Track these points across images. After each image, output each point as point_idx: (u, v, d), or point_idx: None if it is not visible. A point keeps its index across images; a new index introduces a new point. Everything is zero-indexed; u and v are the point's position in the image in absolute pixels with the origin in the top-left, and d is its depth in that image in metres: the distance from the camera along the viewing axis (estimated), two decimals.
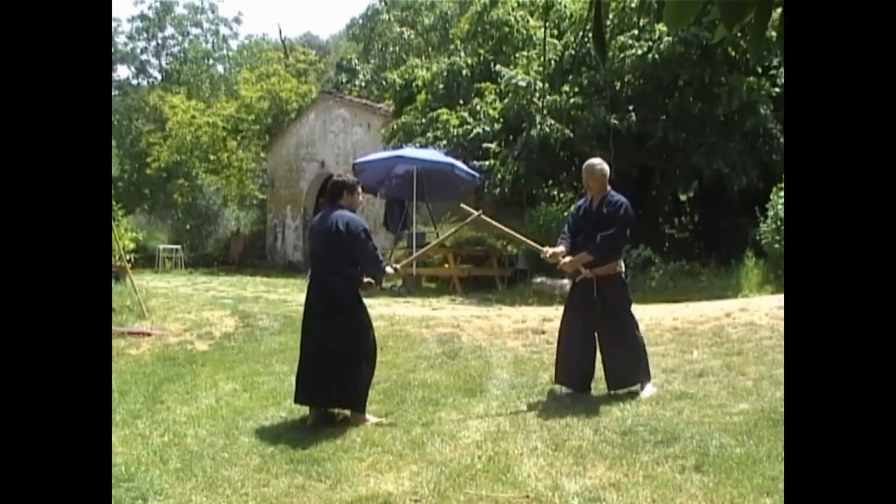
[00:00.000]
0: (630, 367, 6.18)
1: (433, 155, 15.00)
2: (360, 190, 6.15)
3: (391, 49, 28.43)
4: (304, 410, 5.99)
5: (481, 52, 18.36)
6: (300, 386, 5.88)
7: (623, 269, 6.35)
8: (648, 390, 6.12)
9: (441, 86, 17.92)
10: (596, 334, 6.20)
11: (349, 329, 5.81)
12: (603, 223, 6.15)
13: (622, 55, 14.05)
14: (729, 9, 1.98)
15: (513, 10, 17.73)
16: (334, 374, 5.72)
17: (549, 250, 6.27)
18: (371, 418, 5.74)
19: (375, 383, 6.74)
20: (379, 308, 10.89)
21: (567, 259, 6.18)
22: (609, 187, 6.31)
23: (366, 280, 5.95)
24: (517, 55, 16.55)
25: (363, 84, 28.84)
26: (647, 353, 6.36)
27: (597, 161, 6.39)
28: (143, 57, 34.87)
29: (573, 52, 15.27)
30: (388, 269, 6.17)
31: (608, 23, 14.02)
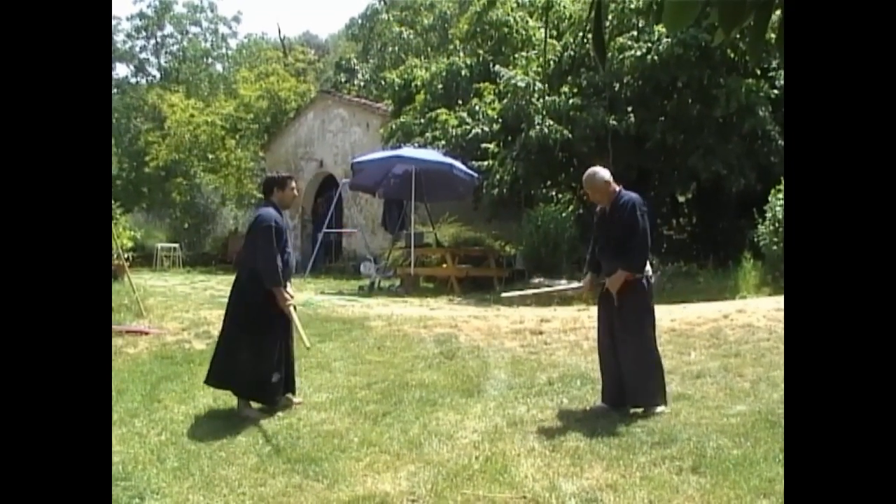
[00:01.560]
0: (646, 385, 5.76)
1: (432, 155, 14.99)
2: (292, 185, 6.16)
3: (390, 49, 28.45)
4: (302, 411, 5.99)
5: (480, 52, 18.37)
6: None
7: (644, 274, 5.88)
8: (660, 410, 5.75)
9: (440, 86, 17.91)
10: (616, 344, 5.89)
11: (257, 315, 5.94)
12: (615, 228, 5.87)
13: (621, 56, 14.07)
14: (727, 11, 1.98)
15: (512, 10, 17.74)
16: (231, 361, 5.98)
17: (579, 286, 6.17)
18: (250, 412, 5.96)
19: (373, 383, 6.76)
20: (376, 308, 10.89)
21: (607, 284, 5.86)
22: (618, 188, 5.96)
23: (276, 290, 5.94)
24: (516, 56, 16.54)
25: (362, 84, 28.88)
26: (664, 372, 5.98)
27: (594, 170, 6.03)
28: (142, 55, 34.92)
29: (572, 53, 15.28)
30: (281, 293, 5.94)
31: (607, 24, 14.03)
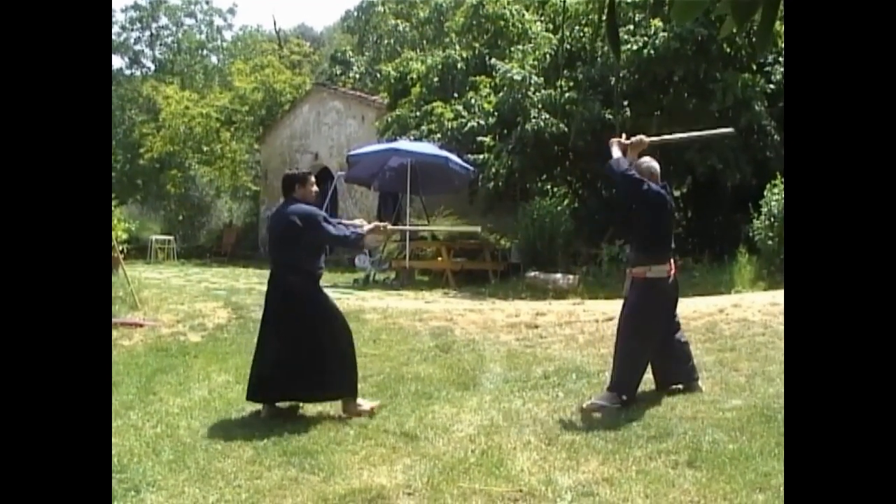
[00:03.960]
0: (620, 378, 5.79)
1: (427, 148, 14.98)
2: (312, 181, 6.06)
3: (386, 41, 28.39)
4: (298, 403, 5.98)
5: (476, 45, 18.33)
6: (266, 383, 5.76)
7: (656, 276, 5.82)
8: (604, 400, 5.71)
9: (436, 79, 17.88)
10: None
11: (314, 322, 5.76)
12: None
13: None
14: (740, 3, 1.97)
15: (508, 3, 17.70)
16: (315, 368, 5.68)
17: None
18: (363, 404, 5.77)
19: (369, 376, 6.75)
20: (372, 301, 10.88)
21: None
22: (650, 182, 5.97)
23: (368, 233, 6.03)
24: (512, 49, 16.52)
25: (357, 76, 28.81)
26: (637, 373, 5.87)
27: (645, 159, 6.14)
28: (137, 47, 34.85)
29: (569, 46, 15.26)
30: (366, 228, 6.11)
31: (603, 17, 14.01)
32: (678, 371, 6.10)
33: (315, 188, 6.06)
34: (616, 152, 5.96)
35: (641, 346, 5.85)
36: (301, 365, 5.67)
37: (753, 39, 13.23)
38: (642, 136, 6.17)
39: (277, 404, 5.83)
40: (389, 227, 6.48)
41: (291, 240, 5.75)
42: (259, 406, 5.81)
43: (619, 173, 5.88)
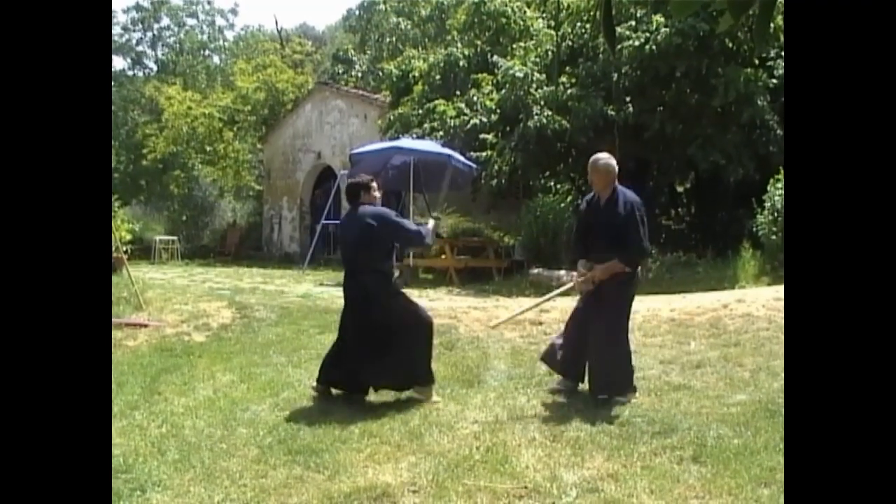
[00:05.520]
0: (615, 377, 5.86)
1: (430, 146, 14.96)
2: (375, 186, 6.30)
3: (388, 40, 28.36)
4: (303, 402, 5.99)
5: (478, 43, 18.32)
6: (339, 371, 6.06)
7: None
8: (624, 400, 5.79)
9: (438, 77, 17.87)
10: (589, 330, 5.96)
11: (392, 316, 6.00)
12: (614, 224, 5.86)
13: (620, 46, 14.02)
14: None
15: (510, 1, 17.69)
16: (397, 359, 5.93)
17: (574, 281, 6.13)
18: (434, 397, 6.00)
19: None
20: None
21: (598, 273, 5.87)
22: (616, 183, 5.96)
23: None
24: (514, 46, 16.51)
25: (360, 75, 28.79)
26: (632, 363, 6.01)
27: (602, 155, 6.03)
28: (139, 48, 34.83)
29: (570, 43, 15.25)
30: (430, 225, 6.72)
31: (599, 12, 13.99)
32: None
33: (377, 193, 6.31)
34: (616, 266, 5.83)
35: (627, 335, 6.08)
36: (382, 356, 5.93)
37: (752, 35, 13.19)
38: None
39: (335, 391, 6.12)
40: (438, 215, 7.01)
41: (368, 241, 6.02)
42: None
43: (642, 239, 5.92)
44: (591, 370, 5.94)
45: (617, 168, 6.00)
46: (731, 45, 13.99)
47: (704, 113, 14.13)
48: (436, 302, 10.94)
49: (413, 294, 12.46)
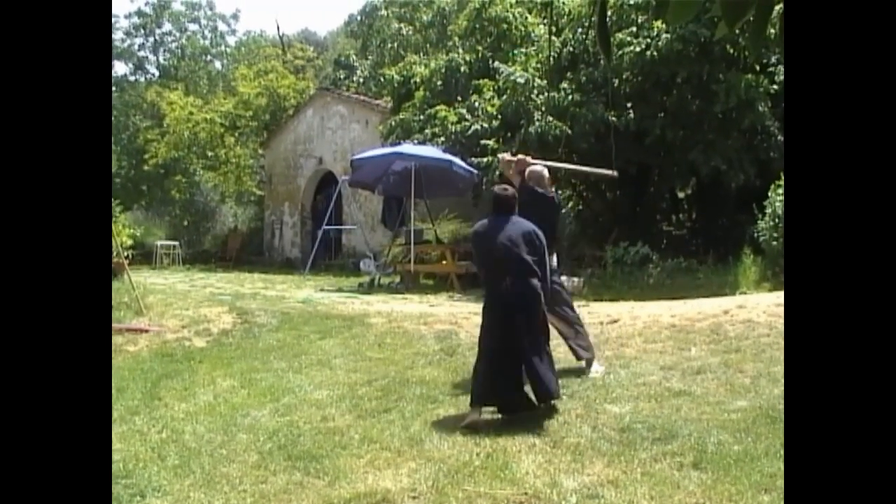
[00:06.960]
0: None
1: (431, 152, 14.98)
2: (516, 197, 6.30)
3: (389, 45, 28.38)
4: (302, 411, 5.98)
5: (479, 48, 18.32)
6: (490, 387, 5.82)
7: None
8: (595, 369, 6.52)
9: (439, 82, 17.87)
10: None
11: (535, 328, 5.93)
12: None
13: (620, 52, 14.03)
14: (730, 6, 1.97)
15: (511, 6, 17.70)
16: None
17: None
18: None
19: (374, 380, 6.76)
20: (376, 305, 10.89)
21: None
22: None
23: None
24: (515, 52, 16.52)
25: (361, 80, 28.83)
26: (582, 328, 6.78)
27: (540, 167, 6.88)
28: (141, 53, 34.82)
29: (572, 48, 15.26)
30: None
31: (594, 19, 13.99)
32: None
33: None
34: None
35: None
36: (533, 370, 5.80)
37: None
38: (524, 157, 7.07)
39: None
40: None
41: (528, 251, 5.92)
42: None
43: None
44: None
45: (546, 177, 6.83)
46: (732, 51, 13.99)
47: (705, 119, 14.13)
48: (436, 307, 10.95)
49: (414, 299, 12.54)
